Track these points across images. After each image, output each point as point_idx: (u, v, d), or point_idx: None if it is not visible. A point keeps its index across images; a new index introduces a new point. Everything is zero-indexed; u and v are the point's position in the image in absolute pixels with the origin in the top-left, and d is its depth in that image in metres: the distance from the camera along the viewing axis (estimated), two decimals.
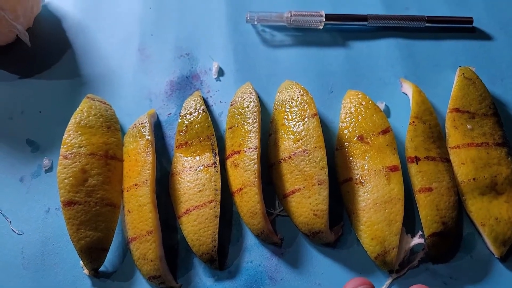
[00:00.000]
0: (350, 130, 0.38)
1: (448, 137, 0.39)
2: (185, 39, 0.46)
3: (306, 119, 0.37)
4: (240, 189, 0.36)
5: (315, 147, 0.35)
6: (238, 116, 0.39)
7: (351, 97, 0.40)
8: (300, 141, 0.36)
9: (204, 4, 0.48)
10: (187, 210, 0.35)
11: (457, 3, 0.48)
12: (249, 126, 0.37)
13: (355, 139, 0.38)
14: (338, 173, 0.38)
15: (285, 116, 0.38)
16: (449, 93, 0.41)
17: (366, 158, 0.37)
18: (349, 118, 0.39)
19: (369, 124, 0.38)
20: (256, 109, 0.38)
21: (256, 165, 0.35)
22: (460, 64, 0.43)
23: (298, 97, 0.38)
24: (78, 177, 0.34)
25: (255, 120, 0.38)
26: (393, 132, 0.38)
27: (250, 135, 0.37)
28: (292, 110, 0.38)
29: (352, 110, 0.39)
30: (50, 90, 0.43)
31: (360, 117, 0.39)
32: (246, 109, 0.39)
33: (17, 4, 0.41)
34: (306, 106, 0.37)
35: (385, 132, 0.37)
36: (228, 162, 0.38)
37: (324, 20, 0.45)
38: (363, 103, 0.39)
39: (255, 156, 0.36)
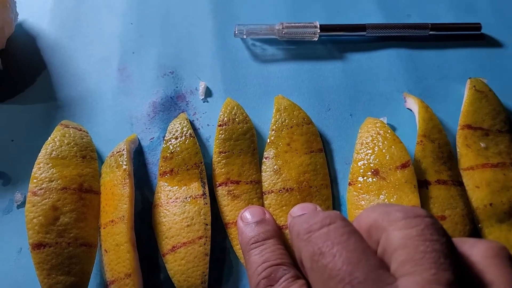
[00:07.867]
0: (365, 163, 0.34)
1: (460, 157, 0.35)
2: (169, 56, 0.42)
3: (312, 153, 0.35)
4: None
5: (322, 184, 0.34)
6: (232, 141, 0.36)
7: (369, 126, 0.36)
8: (306, 174, 0.34)
9: (189, 18, 0.45)
10: (174, 247, 0.32)
11: (463, 9, 0.45)
12: (249, 155, 0.35)
13: (369, 173, 0.34)
14: (349, 211, 0.34)
15: (288, 143, 0.35)
16: (459, 108, 0.37)
17: (381, 196, 0.32)
18: (364, 149, 0.35)
19: (386, 157, 0.33)
20: (253, 132, 0.36)
21: (261, 200, 0.34)
22: (469, 75, 0.39)
23: (303, 124, 0.36)
24: (48, 216, 0.31)
25: (254, 148, 0.36)
26: (413, 167, 0.33)
27: (251, 166, 0.35)
28: (296, 138, 0.36)
29: (368, 141, 0.35)
30: (24, 116, 0.39)
31: (376, 148, 0.34)
32: (240, 130, 0.36)
33: None
34: (312, 137, 0.36)
35: (404, 166, 0.32)
36: (222, 190, 0.34)
37: (319, 31, 0.41)
38: (381, 133, 0.35)
39: (259, 190, 0.34)
